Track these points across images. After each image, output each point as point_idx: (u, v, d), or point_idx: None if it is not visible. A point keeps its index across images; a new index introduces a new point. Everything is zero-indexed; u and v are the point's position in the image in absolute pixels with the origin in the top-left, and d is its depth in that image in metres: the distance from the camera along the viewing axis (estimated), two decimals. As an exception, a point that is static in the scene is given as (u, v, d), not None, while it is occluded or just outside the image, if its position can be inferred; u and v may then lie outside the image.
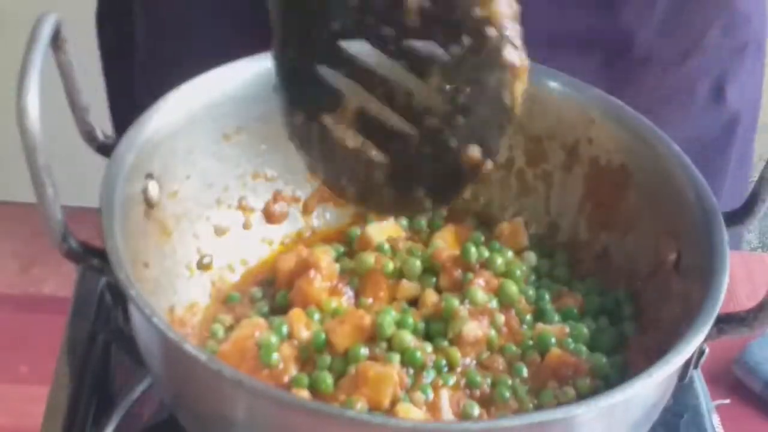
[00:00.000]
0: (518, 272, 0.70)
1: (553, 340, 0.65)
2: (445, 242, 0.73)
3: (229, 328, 0.67)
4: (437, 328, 0.66)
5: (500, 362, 0.65)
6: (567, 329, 0.66)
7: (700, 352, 0.61)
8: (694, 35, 0.91)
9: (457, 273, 0.69)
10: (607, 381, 0.64)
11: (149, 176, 0.66)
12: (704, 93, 0.95)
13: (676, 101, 0.91)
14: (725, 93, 0.96)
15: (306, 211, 0.76)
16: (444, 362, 0.64)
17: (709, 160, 0.94)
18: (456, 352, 0.64)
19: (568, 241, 0.74)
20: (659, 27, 0.88)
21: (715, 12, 0.91)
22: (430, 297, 0.68)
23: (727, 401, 0.81)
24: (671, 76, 0.92)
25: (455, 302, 0.66)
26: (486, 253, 0.70)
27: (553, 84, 0.73)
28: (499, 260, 0.69)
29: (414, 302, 0.69)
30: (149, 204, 0.66)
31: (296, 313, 0.66)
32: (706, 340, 0.58)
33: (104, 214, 0.60)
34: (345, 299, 0.68)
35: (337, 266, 0.69)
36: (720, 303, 0.59)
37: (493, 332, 0.66)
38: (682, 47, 0.91)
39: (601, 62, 0.88)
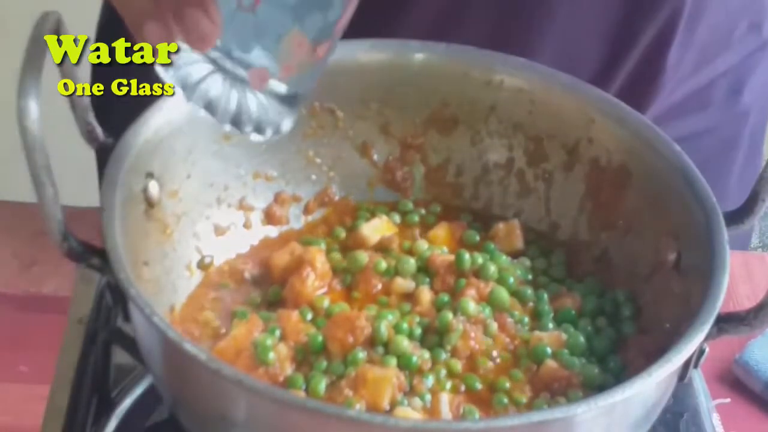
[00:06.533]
0: (511, 279, 0.70)
1: (549, 350, 0.65)
2: (438, 239, 0.73)
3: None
4: (434, 339, 0.66)
5: (497, 366, 0.65)
6: (564, 337, 0.66)
7: (700, 352, 0.61)
8: (721, 32, 0.89)
9: (451, 279, 0.69)
10: (602, 390, 0.64)
11: (149, 176, 0.66)
12: (723, 89, 0.93)
13: (695, 98, 0.89)
14: (743, 88, 0.94)
15: (307, 211, 0.76)
16: (443, 371, 0.64)
17: (722, 153, 0.94)
18: (456, 363, 0.64)
19: (568, 241, 0.74)
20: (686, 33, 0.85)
21: (744, 5, 0.89)
22: (425, 294, 0.68)
23: (727, 401, 0.81)
24: (694, 79, 0.90)
25: (449, 315, 0.66)
26: (479, 260, 0.70)
27: (553, 84, 0.73)
28: (492, 268, 0.69)
29: (406, 298, 0.69)
30: (149, 203, 0.66)
31: (289, 318, 0.65)
32: (706, 339, 0.58)
33: (104, 214, 0.60)
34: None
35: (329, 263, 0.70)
36: (720, 302, 0.59)
37: (489, 340, 0.66)
38: (712, 49, 0.89)
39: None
